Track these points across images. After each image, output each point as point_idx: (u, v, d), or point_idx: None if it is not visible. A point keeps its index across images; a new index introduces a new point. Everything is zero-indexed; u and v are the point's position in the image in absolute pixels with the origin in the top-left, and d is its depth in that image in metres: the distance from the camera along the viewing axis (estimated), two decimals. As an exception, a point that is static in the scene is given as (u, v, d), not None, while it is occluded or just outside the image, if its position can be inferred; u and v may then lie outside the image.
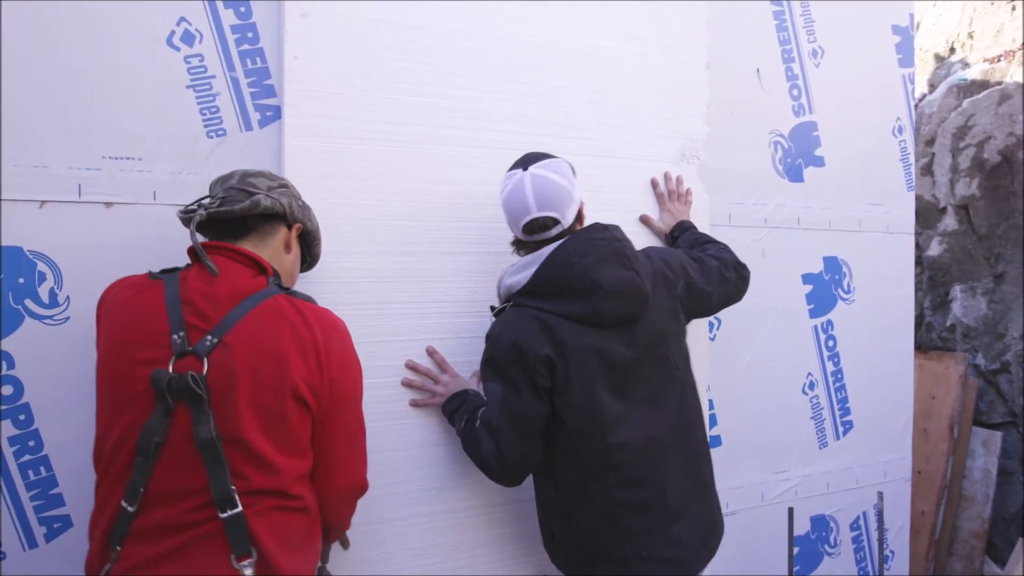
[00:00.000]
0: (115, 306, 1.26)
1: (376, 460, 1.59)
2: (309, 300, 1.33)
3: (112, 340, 1.24)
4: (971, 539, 3.51)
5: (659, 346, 1.59)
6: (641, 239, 2.01)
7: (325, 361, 1.26)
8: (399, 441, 1.73)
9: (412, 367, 1.75)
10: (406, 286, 1.75)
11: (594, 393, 1.50)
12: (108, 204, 1.56)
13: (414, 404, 1.74)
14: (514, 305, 1.58)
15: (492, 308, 1.67)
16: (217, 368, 1.19)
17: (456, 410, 1.67)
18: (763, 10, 2.34)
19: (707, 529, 1.64)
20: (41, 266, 1.52)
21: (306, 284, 1.61)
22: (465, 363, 1.80)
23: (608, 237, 1.56)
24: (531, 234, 1.58)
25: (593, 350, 1.51)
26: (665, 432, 1.58)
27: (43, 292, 1.52)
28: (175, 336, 1.20)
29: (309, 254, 1.52)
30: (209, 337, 1.19)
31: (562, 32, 1.93)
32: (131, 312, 1.24)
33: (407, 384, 1.74)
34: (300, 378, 1.22)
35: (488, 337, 1.57)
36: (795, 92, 2.41)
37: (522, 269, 1.57)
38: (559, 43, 1.93)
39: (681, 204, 2.06)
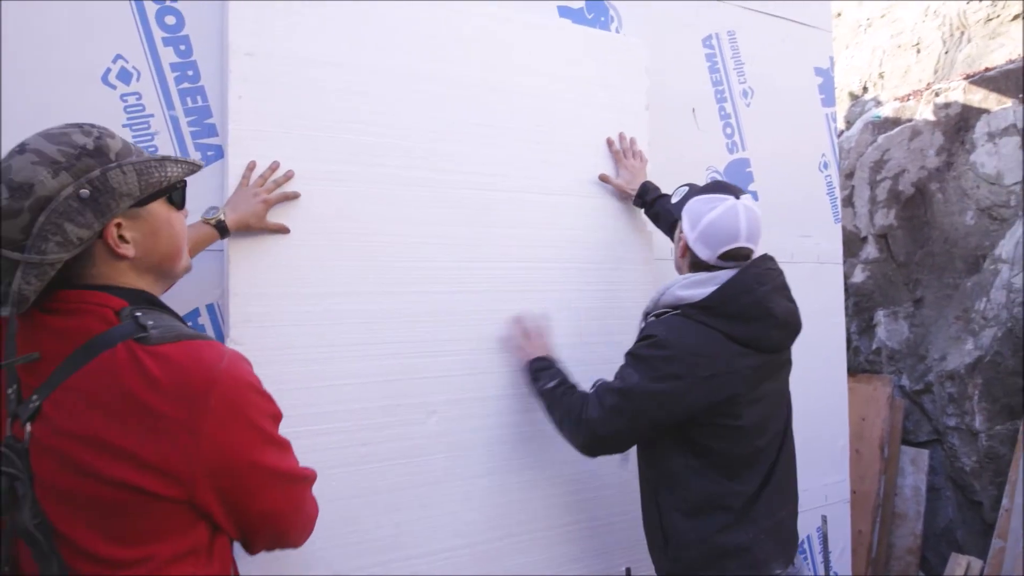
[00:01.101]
0: None
1: (327, 510, 1.54)
2: (178, 338, 0.96)
3: None
4: (906, 555, 3.64)
5: (785, 375, 1.75)
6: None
7: (184, 431, 0.92)
8: (351, 489, 1.67)
9: (516, 324, 1.89)
10: (356, 328, 1.71)
11: (739, 409, 1.59)
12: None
13: (506, 343, 1.89)
14: (681, 314, 1.62)
15: (647, 313, 1.74)
16: (36, 441, 0.94)
17: (544, 369, 1.78)
18: (697, 53, 2.44)
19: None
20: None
21: (250, 327, 1.56)
22: (417, 404, 1.77)
23: (777, 269, 1.69)
24: (727, 260, 1.63)
25: (751, 373, 1.60)
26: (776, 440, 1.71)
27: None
28: (9, 390, 0.99)
29: (165, 193, 1.07)
30: (35, 396, 0.95)
31: (507, 73, 1.96)
32: None
33: (507, 343, 1.89)
34: (131, 465, 0.90)
35: (658, 340, 1.59)
36: (728, 130, 2.51)
37: (698, 285, 1.62)
38: (505, 84, 1.95)
39: (638, 161, 2.13)
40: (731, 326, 1.58)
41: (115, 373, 0.92)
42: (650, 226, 2.17)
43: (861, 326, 4.28)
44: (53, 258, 0.93)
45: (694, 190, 1.75)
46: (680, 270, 1.75)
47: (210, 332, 1.60)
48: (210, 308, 1.61)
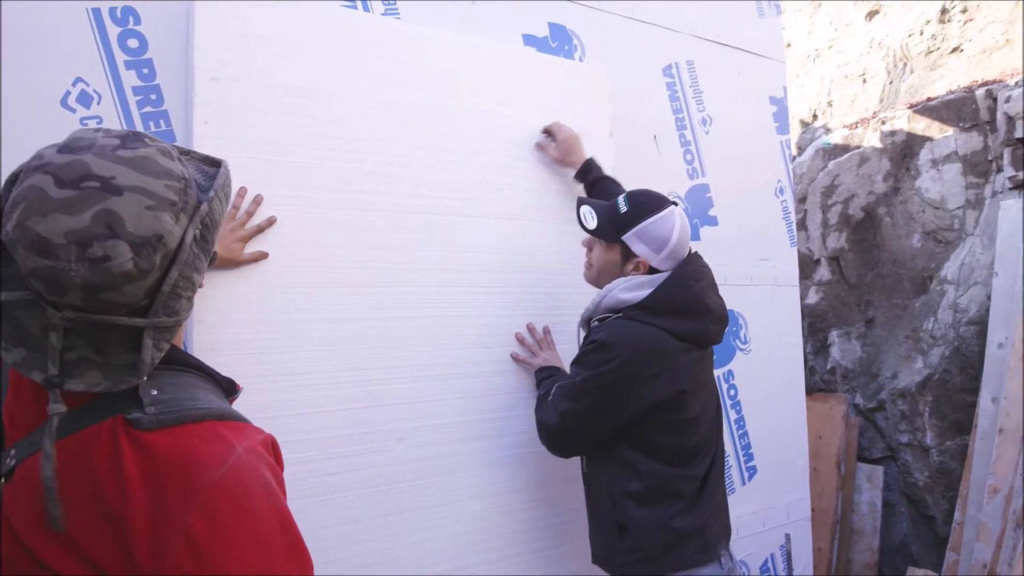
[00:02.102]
0: None
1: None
2: (179, 421, 0.79)
3: None
4: (864, 571, 3.71)
5: (712, 365, 1.86)
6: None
7: (146, 546, 0.74)
8: (320, 519, 1.64)
9: (521, 339, 1.97)
10: (322, 355, 1.69)
11: (685, 404, 1.67)
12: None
13: (514, 357, 1.96)
14: (624, 316, 1.67)
15: (589, 320, 1.77)
16: (3, 504, 0.80)
17: (546, 379, 1.85)
18: (657, 82, 2.50)
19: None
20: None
21: (216, 355, 1.53)
22: (385, 431, 1.75)
23: (707, 266, 1.79)
24: (677, 263, 1.72)
25: (692, 367, 1.69)
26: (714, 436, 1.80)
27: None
28: None
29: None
30: (13, 452, 0.81)
31: (473, 100, 1.98)
32: None
33: (514, 357, 1.96)
34: (80, 563, 0.76)
35: (601, 343, 1.63)
36: (688, 157, 2.57)
37: (638, 287, 1.68)
38: (470, 110, 1.97)
39: (573, 134, 2.07)
40: (673, 323, 1.65)
41: (88, 461, 0.77)
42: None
43: (816, 346, 4.39)
44: (186, 315, 0.81)
45: (637, 207, 1.72)
46: (618, 276, 1.76)
47: (173, 361, 1.56)
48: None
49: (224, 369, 1.55)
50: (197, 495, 0.75)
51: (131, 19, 1.59)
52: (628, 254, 1.73)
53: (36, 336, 0.76)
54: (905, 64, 4.86)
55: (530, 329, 2.01)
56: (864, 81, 5.17)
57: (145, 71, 1.60)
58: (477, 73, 2.00)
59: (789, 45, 5.78)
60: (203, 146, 1.57)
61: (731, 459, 2.58)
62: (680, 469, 1.68)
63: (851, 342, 4.20)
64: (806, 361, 4.40)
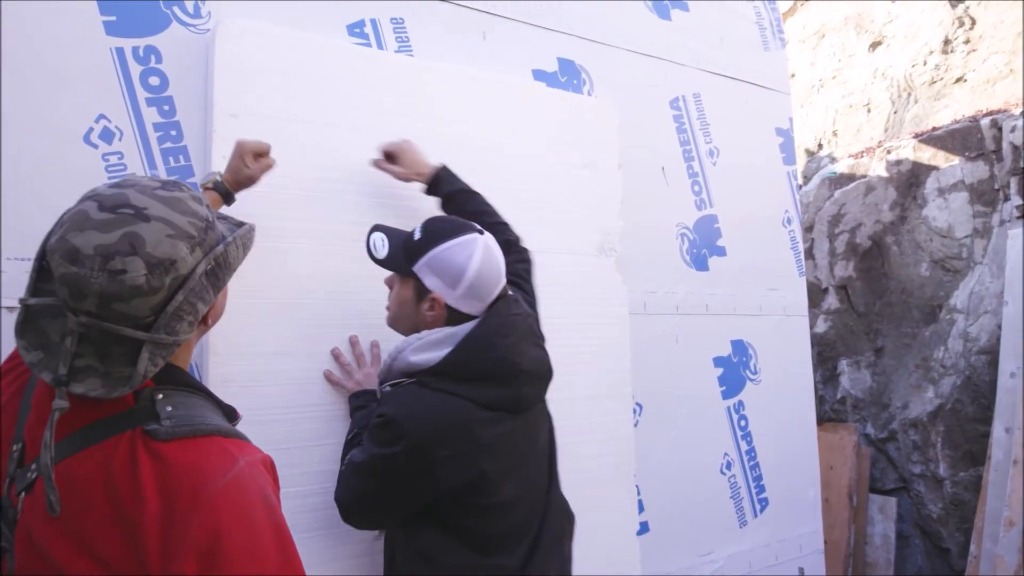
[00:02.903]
0: None
1: (308, 574, 1.51)
2: (192, 434, 0.88)
3: None
4: (878, 605, 3.66)
5: (543, 425, 1.58)
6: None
7: (157, 547, 0.82)
8: (332, 552, 1.64)
9: (337, 355, 1.69)
10: (330, 387, 1.70)
11: (493, 485, 1.40)
12: (11, 309, 1.45)
13: (327, 377, 1.68)
14: (417, 383, 1.39)
15: (382, 384, 1.48)
16: (23, 516, 0.88)
17: (358, 409, 1.60)
18: (665, 114, 2.54)
19: None
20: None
21: (230, 387, 1.55)
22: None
23: (523, 312, 1.50)
24: (483, 305, 1.43)
25: (504, 440, 1.41)
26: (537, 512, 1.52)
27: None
28: (14, 448, 0.93)
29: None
30: (33, 467, 0.88)
31: (482, 133, 2.01)
32: None
33: (327, 376, 1.68)
34: (98, 568, 0.84)
35: (388, 420, 1.35)
36: (696, 188, 2.59)
37: (432, 347, 1.40)
38: (479, 143, 2.00)
39: (408, 142, 1.79)
40: (476, 391, 1.38)
41: (109, 468, 0.85)
42: (624, 282, 2.21)
43: (825, 375, 4.37)
44: (184, 338, 0.88)
45: (430, 233, 1.45)
46: (416, 326, 1.46)
47: (188, 392, 1.58)
48: (190, 367, 1.59)
49: (237, 400, 1.56)
50: (202, 501, 0.83)
51: (153, 57, 1.63)
52: (421, 290, 1.43)
53: (55, 342, 0.86)
54: (909, 94, 4.91)
55: (352, 343, 1.72)
56: (869, 111, 5.21)
57: (166, 107, 1.64)
58: (486, 107, 2.03)
59: (793, 75, 5.84)
60: (221, 181, 1.60)
61: (742, 491, 2.56)
62: (489, 558, 1.40)
63: (861, 371, 4.18)
64: (815, 390, 4.38)
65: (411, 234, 1.48)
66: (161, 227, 0.85)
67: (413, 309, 1.46)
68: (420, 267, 1.42)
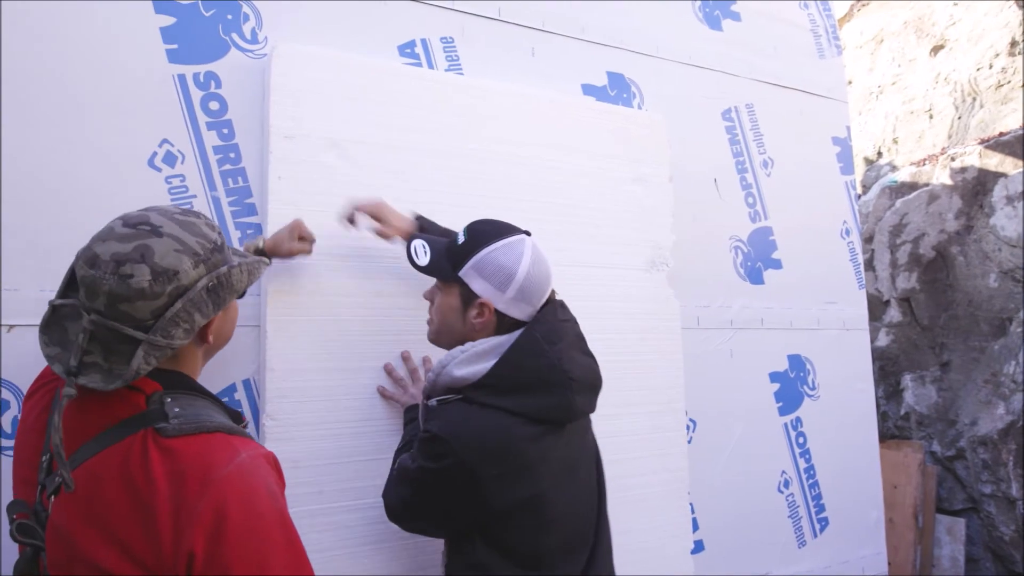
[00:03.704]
0: (24, 408, 1.12)
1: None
2: (197, 431, 0.96)
3: (13, 451, 1.10)
4: (947, 632, 3.49)
5: (591, 439, 1.54)
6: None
7: (170, 533, 0.89)
8: (386, 566, 1.65)
9: (389, 370, 1.70)
10: (383, 403, 1.72)
11: (544, 502, 1.35)
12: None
13: (381, 392, 1.69)
14: (464, 400, 1.34)
15: (428, 399, 1.42)
16: (52, 516, 0.97)
17: (411, 422, 1.60)
18: (717, 125, 2.50)
19: None
20: (5, 393, 1.45)
21: (285, 403, 1.58)
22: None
23: (571, 319, 1.44)
24: (532, 310, 1.38)
25: (553, 456, 1.35)
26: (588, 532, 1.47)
27: (6, 422, 1.44)
28: (43, 458, 1.02)
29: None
30: (62, 471, 0.93)
31: (535, 149, 2.01)
32: (25, 416, 1.10)
33: (381, 391, 1.69)
34: (121, 556, 0.90)
35: (434, 437, 1.30)
36: (750, 200, 2.55)
37: (477, 359, 1.34)
38: (531, 159, 2.01)
39: (377, 198, 1.66)
40: (523, 403, 1.31)
41: (125, 463, 0.94)
42: (674, 295, 2.18)
43: (888, 391, 4.22)
44: (178, 343, 0.98)
45: (476, 235, 1.40)
46: (463, 338, 1.40)
47: (246, 408, 1.62)
48: (246, 383, 1.63)
49: (293, 417, 1.60)
50: (209, 486, 0.91)
51: (212, 83, 1.69)
52: (468, 296, 1.37)
53: (71, 340, 0.97)
54: (974, 99, 4.73)
55: (404, 358, 1.71)
56: (931, 117, 5.04)
57: (225, 131, 1.69)
58: (535, 123, 2.03)
59: (850, 82, 5.70)
60: (277, 200, 1.65)
61: (801, 510, 2.48)
62: (543, 572, 1.35)
63: (926, 386, 4.02)
64: (878, 407, 4.23)
65: (454, 239, 1.43)
66: (171, 242, 0.97)
67: (460, 318, 1.39)
68: (466, 271, 1.36)
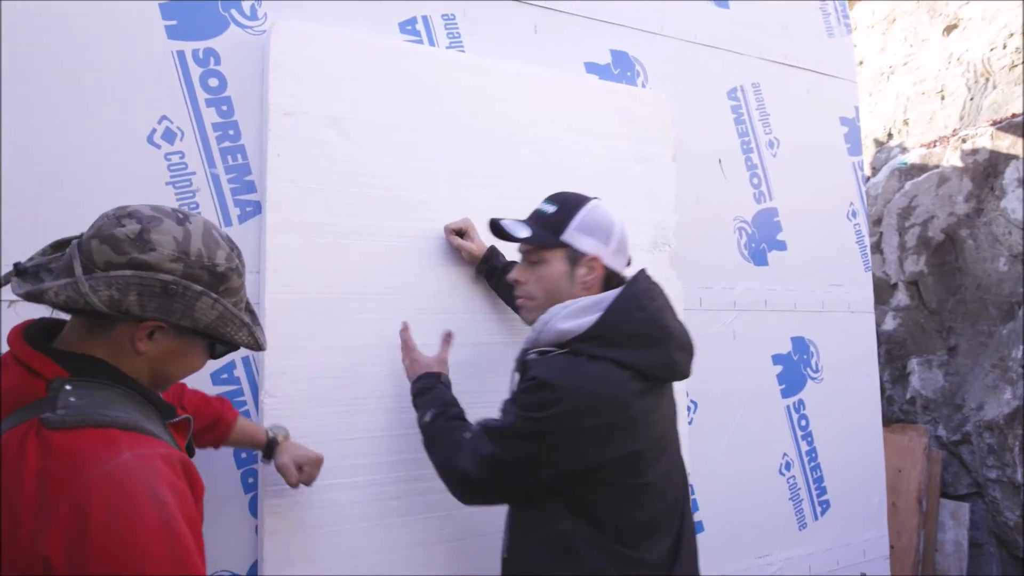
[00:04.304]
0: None
1: (359, 565, 1.55)
2: (80, 424, 0.89)
3: None
4: (949, 615, 3.50)
5: (675, 410, 1.53)
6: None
7: (31, 528, 0.83)
8: (386, 542, 1.67)
9: (406, 329, 1.67)
10: (386, 380, 1.72)
11: (642, 463, 1.35)
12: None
13: (404, 341, 1.68)
14: (568, 352, 1.37)
15: (528, 352, 1.46)
16: None
17: (424, 393, 1.54)
18: (722, 105, 2.47)
19: None
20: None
21: (284, 380, 1.59)
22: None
23: (658, 284, 1.48)
24: (626, 263, 1.49)
25: (654, 416, 1.38)
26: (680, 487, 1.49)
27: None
28: None
29: (219, 343, 1.08)
30: None
31: (537, 129, 2.00)
32: None
33: (405, 340, 1.67)
34: None
35: (542, 383, 1.31)
36: (755, 180, 2.52)
37: (582, 313, 1.38)
38: (535, 139, 1.99)
39: (466, 220, 1.84)
40: (631, 355, 1.34)
41: (5, 455, 0.88)
42: (676, 276, 2.17)
43: (894, 375, 4.20)
44: (93, 300, 0.91)
45: (564, 203, 1.49)
46: (569, 292, 1.45)
47: (244, 385, 1.62)
48: (245, 361, 1.63)
49: (292, 394, 1.61)
50: (76, 487, 0.84)
51: (212, 60, 1.68)
52: (575, 256, 1.44)
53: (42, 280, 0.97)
54: (987, 79, 4.65)
55: (401, 331, 1.70)
56: (942, 98, 4.96)
57: (224, 108, 1.69)
58: (537, 102, 2.02)
59: (861, 63, 5.62)
60: (276, 177, 1.65)
61: (802, 493, 2.48)
62: (633, 551, 1.33)
63: (932, 371, 4.00)
64: (883, 390, 4.22)
65: (541, 212, 1.50)
66: (178, 233, 0.97)
67: (568, 280, 1.44)
68: (571, 233, 1.44)
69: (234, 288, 1.04)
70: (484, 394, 1.75)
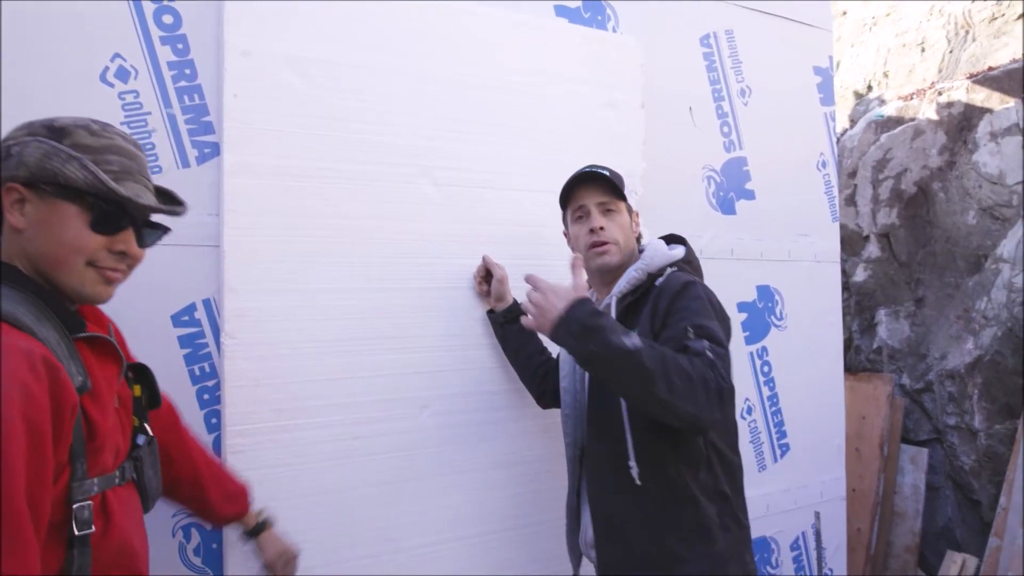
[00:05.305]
0: None
1: (321, 502, 1.58)
2: None
3: None
4: (904, 553, 3.64)
5: None
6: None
7: None
8: (344, 482, 1.70)
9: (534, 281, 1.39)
10: (349, 323, 1.74)
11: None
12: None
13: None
14: (680, 271, 1.56)
15: (649, 274, 1.54)
16: None
17: (598, 315, 1.29)
18: (694, 51, 2.45)
19: None
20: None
21: (244, 322, 1.59)
22: (410, 399, 1.80)
23: None
24: None
25: None
26: None
27: None
28: None
29: (50, 185, 1.00)
30: None
31: (501, 72, 1.98)
32: None
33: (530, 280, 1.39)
34: None
35: (689, 282, 1.46)
36: (725, 129, 2.52)
37: (666, 246, 1.63)
38: (498, 82, 1.97)
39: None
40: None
41: None
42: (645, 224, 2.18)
43: (863, 325, 4.28)
44: None
45: (608, 169, 1.66)
46: (630, 252, 1.62)
47: (205, 327, 1.63)
48: (206, 303, 1.64)
49: (252, 336, 1.61)
50: None
51: (166, -5, 1.63)
52: (630, 210, 1.68)
53: None
54: (967, 32, 4.63)
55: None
56: (923, 50, 4.94)
57: (179, 46, 1.65)
58: (505, 45, 1.99)
59: (844, 13, 5.56)
60: (232, 119, 1.62)
61: (762, 436, 2.55)
62: (737, 456, 1.54)
63: (899, 321, 4.08)
64: (851, 340, 4.30)
65: (599, 172, 1.63)
66: (42, 120, 1.05)
67: (631, 228, 1.67)
68: (628, 192, 1.67)
69: (84, 144, 1.02)
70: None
